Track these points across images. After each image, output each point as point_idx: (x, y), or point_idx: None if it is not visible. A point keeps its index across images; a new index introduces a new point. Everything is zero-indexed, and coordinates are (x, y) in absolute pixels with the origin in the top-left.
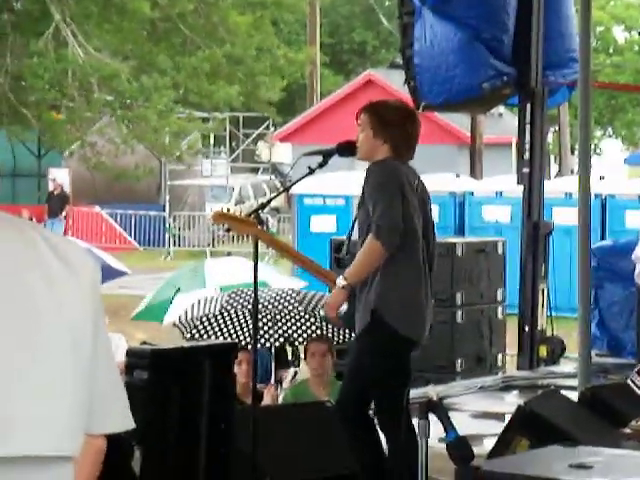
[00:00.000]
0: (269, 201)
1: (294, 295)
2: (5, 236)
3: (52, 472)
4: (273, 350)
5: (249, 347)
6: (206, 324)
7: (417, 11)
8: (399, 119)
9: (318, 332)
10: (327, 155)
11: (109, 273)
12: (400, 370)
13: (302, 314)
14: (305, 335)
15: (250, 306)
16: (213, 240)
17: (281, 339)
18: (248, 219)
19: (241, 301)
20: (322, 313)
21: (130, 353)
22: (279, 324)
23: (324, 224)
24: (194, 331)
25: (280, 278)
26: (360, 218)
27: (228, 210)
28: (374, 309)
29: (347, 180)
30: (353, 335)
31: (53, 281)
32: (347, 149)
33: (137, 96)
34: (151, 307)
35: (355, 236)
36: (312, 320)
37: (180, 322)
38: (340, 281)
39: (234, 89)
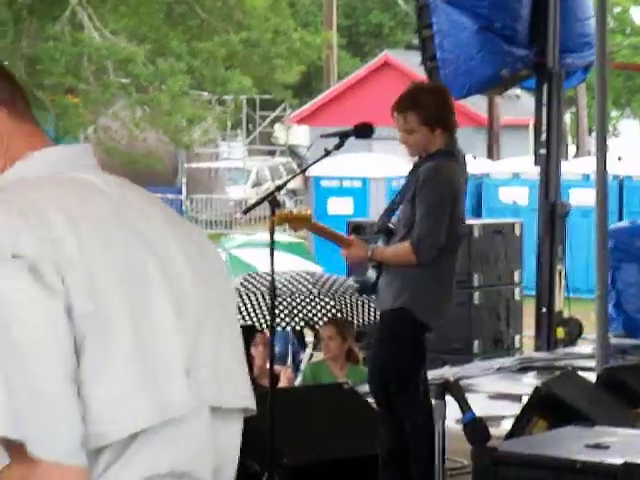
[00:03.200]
0: (285, 183)
1: (309, 278)
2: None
3: (239, 425)
4: (290, 332)
5: (265, 329)
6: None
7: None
8: (437, 100)
9: (331, 314)
10: (344, 137)
11: None
12: (416, 353)
13: (317, 295)
14: (321, 316)
15: (264, 289)
16: (231, 222)
17: (301, 322)
18: (305, 215)
19: (256, 284)
20: (337, 295)
21: None
22: (295, 305)
23: (341, 206)
24: None
25: (297, 262)
26: (404, 212)
27: (290, 212)
28: (403, 307)
29: (364, 162)
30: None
31: (209, 256)
32: (364, 131)
33: (152, 80)
34: None
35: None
36: (327, 300)
37: None
38: (367, 250)
39: (247, 79)
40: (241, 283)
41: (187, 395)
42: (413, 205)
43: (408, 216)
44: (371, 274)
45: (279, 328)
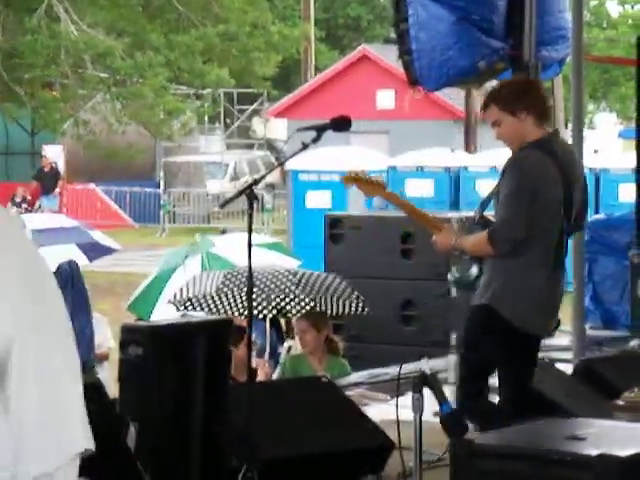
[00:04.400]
0: (263, 176)
1: (288, 275)
2: None
3: None
4: (268, 325)
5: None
6: (202, 302)
7: None
8: (519, 87)
9: (309, 307)
10: (321, 130)
11: (98, 250)
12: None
13: (295, 289)
14: (298, 308)
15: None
16: (209, 216)
17: (274, 310)
18: (378, 181)
19: (236, 282)
20: (315, 290)
21: (125, 329)
22: (273, 297)
23: (319, 200)
24: (190, 308)
25: (278, 258)
26: (495, 206)
27: (358, 173)
28: (487, 305)
29: (342, 156)
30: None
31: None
32: (341, 124)
33: (131, 73)
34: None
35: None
36: (302, 297)
37: (175, 299)
38: (453, 237)
39: (225, 71)
40: (222, 281)
41: None
42: (497, 197)
43: (498, 208)
44: (474, 270)
45: (257, 315)
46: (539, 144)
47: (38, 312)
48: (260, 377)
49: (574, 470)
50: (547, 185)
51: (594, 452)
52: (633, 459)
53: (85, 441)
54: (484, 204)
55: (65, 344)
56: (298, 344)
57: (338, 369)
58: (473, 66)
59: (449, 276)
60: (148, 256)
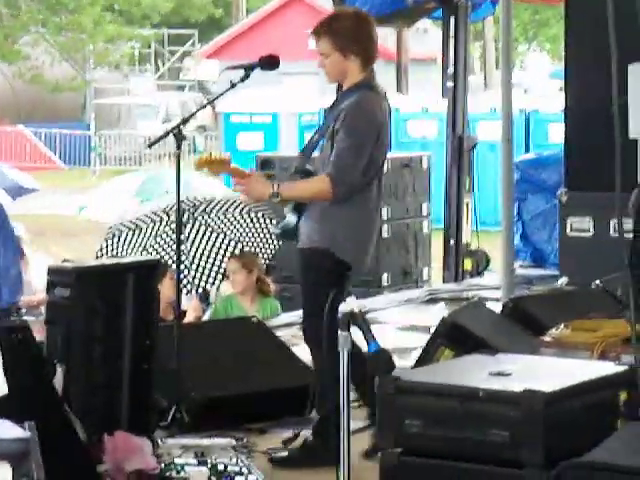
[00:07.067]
0: (191, 116)
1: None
2: None
3: None
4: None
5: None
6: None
7: None
8: (352, 25)
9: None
10: (249, 69)
11: (19, 191)
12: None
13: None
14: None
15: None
16: (140, 159)
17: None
18: (223, 158)
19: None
20: (238, 228)
21: (51, 271)
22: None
23: (251, 141)
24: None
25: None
26: (325, 151)
27: (210, 155)
28: (327, 249)
29: (274, 97)
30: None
31: None
32: (269, 63)
33: (67, 3)
34: None
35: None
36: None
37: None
38: (273, 189)
39: None
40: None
41: None
42: (334, 143)
43: (329, 154)
44: (291, 218)
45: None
46: (370, 85)
47: None
48: (191, 318)
49: (500, 405)
50: (385, 128)
51: (519, 387)
52: (558, 394)
53: None
54: (311, 148)
55: None
56: (229, 285)
57: (270, 310)
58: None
59: (272, 229)
60: (79, 198)
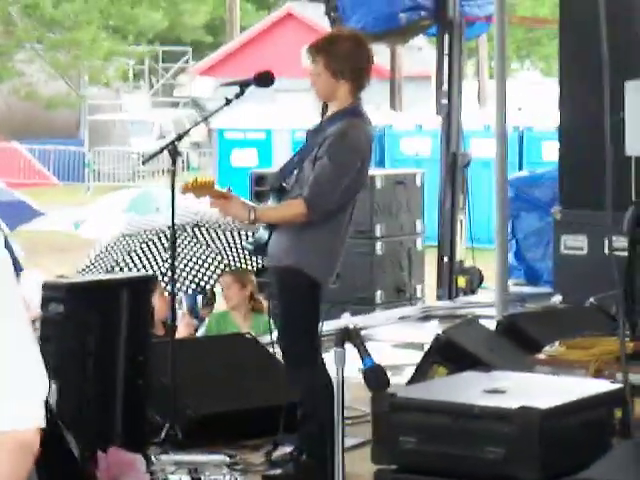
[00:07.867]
0: (186, 132)
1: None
2: None
3: None
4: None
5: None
6: (128, 260)
7: None
8: (352, 51)
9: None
10: (244, 85)
11: (29, 214)
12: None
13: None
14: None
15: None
16: (134, 175)
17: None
18: (208, 181)
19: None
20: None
21: (46, 286)
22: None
23: (245, 158)
24: (114, 265)
25: None
26: (305, 172)
27: (195, 180)
28: (298, 269)
29: (268, 114)
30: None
31: None
32: (264, 79)
33: (62, 21)
34: None
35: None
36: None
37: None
38: (250, 214)
39: (157, 14)
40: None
41: None
42: (316, 165)
43: (309, 176)
44: (262, 234)
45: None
46: (356, 111)
47: None
48: (183, 333)
49: (495, 422)
50: (369, 156)
51: (514, 404)
52: (554, 411)
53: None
54: (290, 169)
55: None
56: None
57: (263, 326)
58: (394, 16)
59: (244, 244)
60: (73, 214)
